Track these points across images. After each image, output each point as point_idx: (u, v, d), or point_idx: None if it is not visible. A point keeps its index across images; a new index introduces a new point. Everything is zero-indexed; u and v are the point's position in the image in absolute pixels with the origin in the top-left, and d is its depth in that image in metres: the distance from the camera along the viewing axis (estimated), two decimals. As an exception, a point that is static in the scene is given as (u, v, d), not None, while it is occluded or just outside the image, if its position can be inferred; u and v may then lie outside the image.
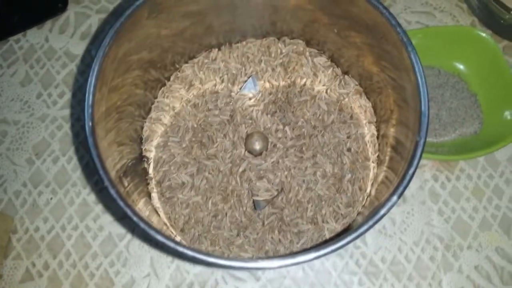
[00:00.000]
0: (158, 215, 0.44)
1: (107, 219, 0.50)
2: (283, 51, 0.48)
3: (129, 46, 0.38)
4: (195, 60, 0.49)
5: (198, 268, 0.48)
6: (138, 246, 0.49)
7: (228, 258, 0.30)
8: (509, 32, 0.54)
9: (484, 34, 0.51)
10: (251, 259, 0.30)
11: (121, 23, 0.36)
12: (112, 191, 0.32)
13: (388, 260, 0.48)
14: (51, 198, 0.51)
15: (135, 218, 0.31)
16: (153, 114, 0.47)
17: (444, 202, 0.50)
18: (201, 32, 0.46)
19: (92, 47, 0.58)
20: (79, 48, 0.57)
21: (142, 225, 0.31)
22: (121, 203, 0.32)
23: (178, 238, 0.43)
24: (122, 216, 0.50)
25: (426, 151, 0.48)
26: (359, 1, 0.36)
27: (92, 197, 0.51)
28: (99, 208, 0.51)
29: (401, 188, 0.32)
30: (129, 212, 0.32)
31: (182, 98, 0.48)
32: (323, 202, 0.44)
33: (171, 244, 0.31)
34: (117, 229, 0.50)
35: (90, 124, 0.33)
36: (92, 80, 0.34)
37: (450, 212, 0.50)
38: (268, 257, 0.32)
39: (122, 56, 0.38)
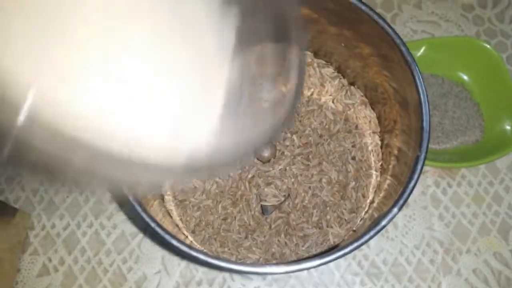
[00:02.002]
0: (171, 216, 0.46)
1: (120, 218, 0.52)
2: (292, 61, 0.50)
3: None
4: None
5: (207, 267, 0.50)
6: (150, 244, 0.51)
7: (241, 264, 0.33)
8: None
9: (487, 45, 0.53)
10: (262, 264, 0.32)
11: None
12: (138, 208, 0.34)
13: (389, 262, 0.50)
14: (67, 197, 0.53)
15: (160, 231, 0.33)
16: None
17: (445, 207, 0.52)
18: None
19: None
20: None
21: (167, 237, 0.33)
22: (147, 218, 0.34)
23: (189, 239, 0.46)
24: (134, 215, 0.52)
25: (429, 158, 0.50)
26: (365, 18, 0.38)
27: (106, 196, 0.53)
28: (112, 206, 0.52)
29: (401, 201, 0.34)
30: (153, 225, 0.33)
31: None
32: (328, 208, 0.46)
33: (194, 253, 0.33)
34: (130, 228, 0.52)
35: None
36: None
37: (451, 217, 0.52)
38: (278, 263, 0.34)
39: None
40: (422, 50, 0.54)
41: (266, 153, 0.46)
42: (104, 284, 0.50)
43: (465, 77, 0.55)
